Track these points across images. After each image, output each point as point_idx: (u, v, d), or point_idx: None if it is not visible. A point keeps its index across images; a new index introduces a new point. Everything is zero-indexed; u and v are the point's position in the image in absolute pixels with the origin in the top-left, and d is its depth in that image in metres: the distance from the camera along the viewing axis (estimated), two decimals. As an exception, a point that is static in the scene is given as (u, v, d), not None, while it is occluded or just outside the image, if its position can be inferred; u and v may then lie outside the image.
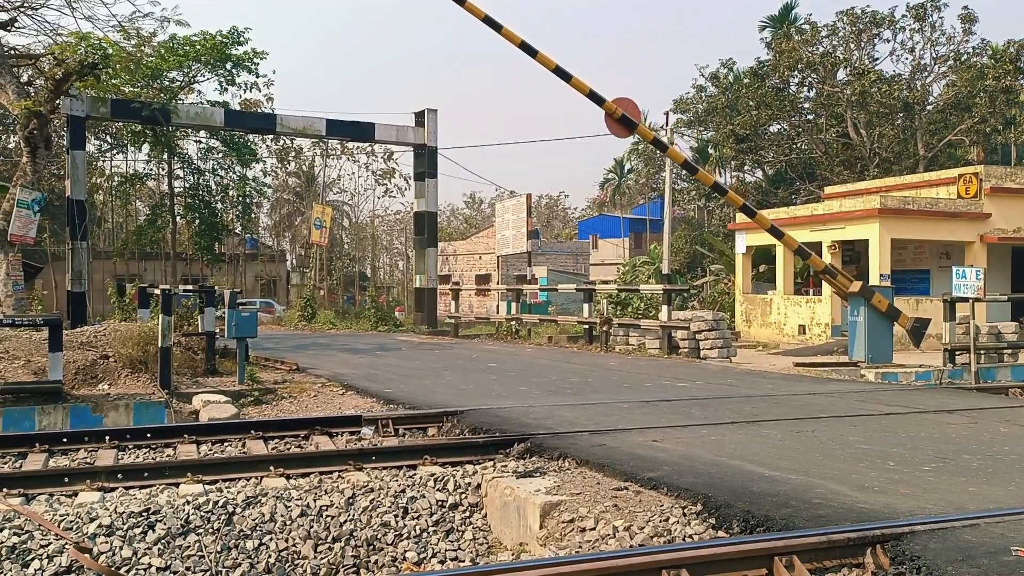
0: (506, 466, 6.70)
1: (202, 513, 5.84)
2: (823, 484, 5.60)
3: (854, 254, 27.08)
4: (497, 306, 26.65)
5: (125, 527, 5.59)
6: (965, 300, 15.68)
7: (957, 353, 15.73)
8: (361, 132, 29.14)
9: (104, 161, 38.61)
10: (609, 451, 6.78)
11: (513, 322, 23.82)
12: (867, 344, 15.40)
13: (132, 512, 5.72)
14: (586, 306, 20.41)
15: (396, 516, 6.17)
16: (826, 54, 39.39)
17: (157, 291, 13.61)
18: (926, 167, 36.54)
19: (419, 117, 28.85)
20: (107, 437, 7.84)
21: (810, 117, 41.77)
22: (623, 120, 14.90)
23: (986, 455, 6.69)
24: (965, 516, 4.72)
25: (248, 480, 6.50)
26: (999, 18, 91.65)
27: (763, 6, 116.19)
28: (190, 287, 17.38)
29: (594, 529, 5.21)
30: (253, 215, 38.80)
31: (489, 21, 14.81)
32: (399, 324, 28.83)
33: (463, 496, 6.44)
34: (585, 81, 15.06)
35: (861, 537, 4.32)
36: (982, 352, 16.20)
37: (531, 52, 14.89)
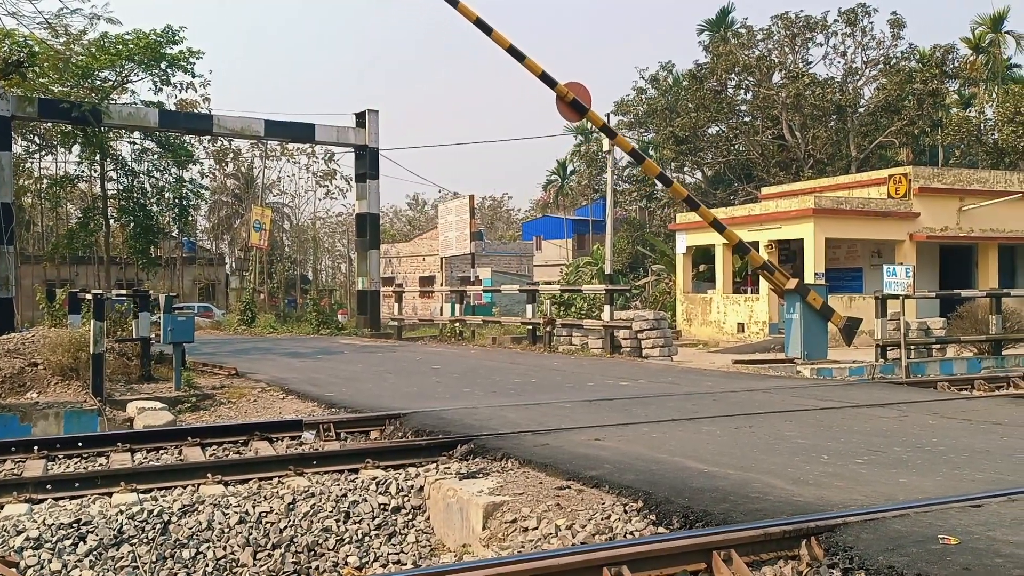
0: (449, 468, 6.68)
1: (136, 523, 5.69)
2: (760, 479, 5.71)
3: (790, 253, 27.65)
4: (441, 308, 26.60)
5: (54, 539, 5.43)
6: (896, 297, 16.13)
7: (888, 349, 16.17)
8: (301, 133, 28.80)
9: (32, 163, 37.44)
10: (552, 451, 6.80)
11: (457, 324, 23.77)
12: (803, 341, 15.73)
13: (62, 524, 5.55)
14: (529, 307, 20.46)
15: (338, 521, 6.10)
16: (762, 57, 40.18)
17: (89, 296, 13.22)
18: (858, 168, 37.51)
19: (360, 118, 28.61)
20: (36, 447, 7.59)
21: (747, 119, 42.55)
22: (574, 104, 14.89)
23: (915, 447, 6.89)
24: (895, 507, 4.85)
25: (184, 488, 6.37)
26: (926, 23, 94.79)
27: (701, 9, 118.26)
28: (124, 292, 16.94)
29: (536, 528, 5.22)
30: (190, 218, 37.99)
31: None
32: (342, 327, 28.55)
33: (406, 499, 6.40)
34: (538, 63, 15.00)
35: (796, 530, 4.41)
36: (912, 347, 16.69)
37: (486, 29, 14.72)
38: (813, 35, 40.17)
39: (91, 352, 11.13)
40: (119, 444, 7.74)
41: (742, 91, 41.99)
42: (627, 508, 5.24)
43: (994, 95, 41.85)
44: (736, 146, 42.44)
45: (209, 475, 6.56)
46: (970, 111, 42.65)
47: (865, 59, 40.32)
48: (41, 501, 6.05)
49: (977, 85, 43.98)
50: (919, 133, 40.38)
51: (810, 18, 39.64)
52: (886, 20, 39.65)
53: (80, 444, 7.77)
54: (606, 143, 26.11)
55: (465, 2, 14.65)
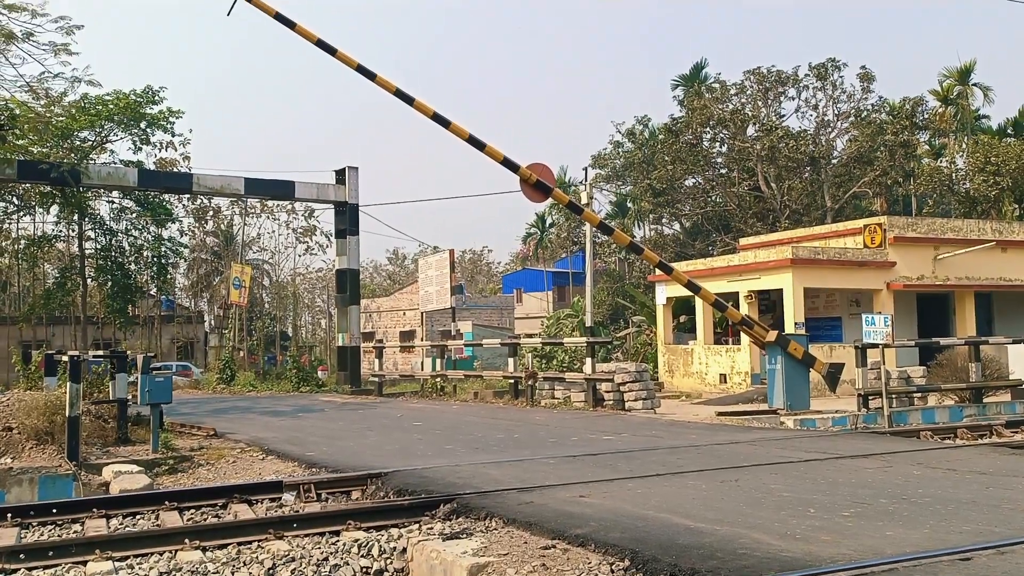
0: (432, 528, 6.58)
1: (111, 593, 5.54)
2: (747, 534, 5.65)
3: (770, 303, 27.82)
4: (422, 363, 26.40)
5: (26, 612, 5.27)
6: (875, 346, 16.20)
7: (870, 398, 16.20)
8: (281, 190, 28.91)
9: (9, 223, 37.19)
10: (536, 509, 6.72)
11: (438, 379, 23.63)
12: (785, 392, 15.74)
13: (34, 595, 5.40)
14: (511, 360, 20.40)
15: (319, 586, 5.96)
16: (736, 111, 40.97)
17: (65, 357, 13.05)
18: (833, 218, 38.04)
19: (340, 175, 28.78)
20: (9, 515, 7.41)
21: (723, 171, 43.22)
22: (538, 185, 15.07)
23: (901, 498, 6.87)
24: (884, 561, 4.82)
25: (161, 554, 6.22)
26: (895, 77, 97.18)
27: (675, 64, 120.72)
28: (101, 352, 16.74)
29: (522, 590, 5.13)
30: (168, 276, 37.75)
31: (400, 94, 14.85)
32: (322, 384, 28.30)
33: (388, 561, 6.28)
34: (499, 149, 15.13)
35: (785, 587, 4.36)
36: (893, 396, 16.73)
37: (444, 123, 14.97)
38: (785, 89, 41.08)
39: (67, 415, 10.94)
40: (94, 510, 7.57)
41: (717, 144, 42.74)
42: (614, 567, 5.17)
43: (964, 145, 42.81)
44: (713, 197, 43.02)
45: (187, 540, 6.42)
46: (941, 161, 43.56)
47: (836, 112, 41.24)
48: (15, 572, 5.89)
49: (947, 136, 44.98)
50: (892, 183, 41.16)
51: (782, 73, 40.57)
52: (856, 74, 40.61)
53: (55, 511, 7.59)
54: (584, 196, 26.41)
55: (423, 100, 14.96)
